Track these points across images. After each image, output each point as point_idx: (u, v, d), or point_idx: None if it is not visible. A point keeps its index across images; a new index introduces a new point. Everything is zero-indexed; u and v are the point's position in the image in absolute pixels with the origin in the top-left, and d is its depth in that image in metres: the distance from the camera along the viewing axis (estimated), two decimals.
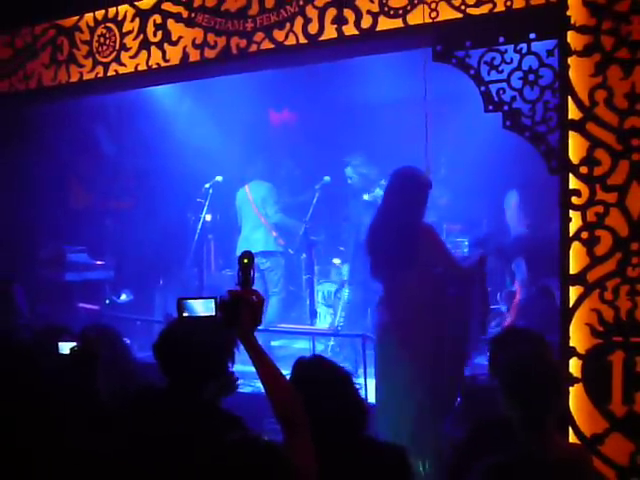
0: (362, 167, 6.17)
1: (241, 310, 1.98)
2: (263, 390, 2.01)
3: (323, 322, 6.84)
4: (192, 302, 2.16)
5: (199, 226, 6.63)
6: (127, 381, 2.93)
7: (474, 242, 6.31)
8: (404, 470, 2.26)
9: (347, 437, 2.23)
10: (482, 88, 3.45)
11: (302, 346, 6.46)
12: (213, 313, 2.13)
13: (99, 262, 6.62)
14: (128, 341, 4.72)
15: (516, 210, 5.83)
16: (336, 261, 6.98)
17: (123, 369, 3.07)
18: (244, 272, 2.04)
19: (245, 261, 2.04)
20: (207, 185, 6.61)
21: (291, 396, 2.02)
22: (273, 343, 6.84)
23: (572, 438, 3.10)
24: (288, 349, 6.76)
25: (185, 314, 2.16)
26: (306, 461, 1.92)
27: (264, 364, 2.02)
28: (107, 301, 6.64)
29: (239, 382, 2.63)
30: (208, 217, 6.76)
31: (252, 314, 2.00)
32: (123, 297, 6.81)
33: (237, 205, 6.77)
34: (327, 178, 6.62)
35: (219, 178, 6.65)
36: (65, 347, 2.68)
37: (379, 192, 6.09)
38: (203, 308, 2.15)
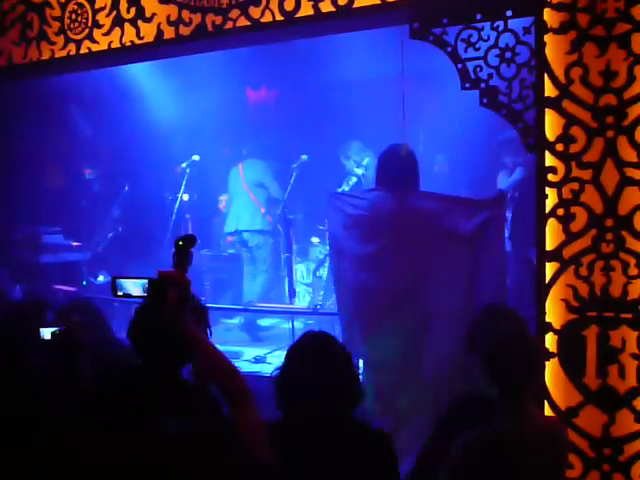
0: (359, 155, 6.17)
1: (167, 291, 1.96)
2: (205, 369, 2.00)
3: (302, 301, 6.86)
4: (125, 281, 2.13)
5: (176, 205, 6.58)
6: (111, 362, 2.90)
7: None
8: (389, 457, 2.28)
9: (341, 413, 2.25)
10: (459, 66, 3.43)
11: (288, 326, 6.49)
12: (145, 294, 2.09)
13: (75, 243, 6.55)
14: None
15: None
16: (315, 240, 6.99)
17: (107, 350, 3.04)
18: (178, 254, 2.04)
19: (180, 243, 2.05)
20: (184, 164, 6.56)
21: (233, 371, 2.01)
22: (261, 323, 6.85)
23: (548, 411, 3.16)
24: (277, 329, 6.79)
25: (119, 293, 2.14)
26: (255, 434, 1.91)
27: (202, 344, 2.00)
28: (84, 282, 6.59)
29: None
30: (185, 197, 6.72)
31: (179, 295, 1.97)
32: (100, 278, 6.75)
33: (229, 185, 6.80)
34: (304, 157, 6.59)
35: (196, 157, 6.60)
36: (46, 332, 2.64)
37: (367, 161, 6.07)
38: (135, 288, 2.12)
